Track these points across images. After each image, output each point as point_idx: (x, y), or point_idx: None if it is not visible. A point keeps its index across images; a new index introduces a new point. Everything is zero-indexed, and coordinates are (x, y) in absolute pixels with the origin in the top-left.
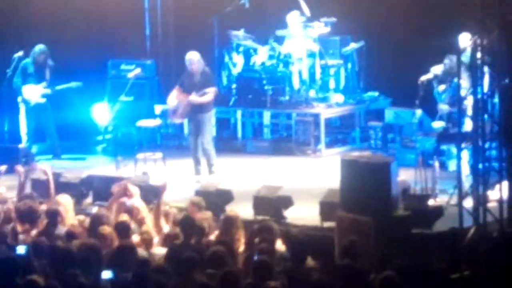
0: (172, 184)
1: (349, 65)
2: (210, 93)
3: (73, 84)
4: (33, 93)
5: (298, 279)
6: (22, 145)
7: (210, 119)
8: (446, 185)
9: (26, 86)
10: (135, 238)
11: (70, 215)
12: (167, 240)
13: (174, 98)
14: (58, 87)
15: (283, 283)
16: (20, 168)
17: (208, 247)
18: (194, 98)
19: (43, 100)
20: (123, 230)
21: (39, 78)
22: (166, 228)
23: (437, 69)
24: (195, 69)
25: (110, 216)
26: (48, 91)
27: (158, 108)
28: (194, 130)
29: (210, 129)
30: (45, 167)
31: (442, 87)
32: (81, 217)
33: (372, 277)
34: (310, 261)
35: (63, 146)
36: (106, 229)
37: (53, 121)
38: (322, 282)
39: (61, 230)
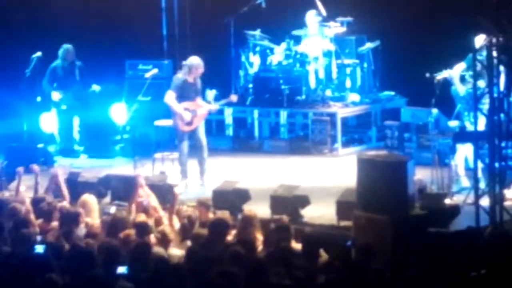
0: (189, 184)
1: (365, 65)
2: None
3: (97, 87)
4: (62, 96)
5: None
6: (41, 145)
7: None
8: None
9: (55, 91)
10: (152, 238)
11: (94, 215)
12: (193, 240)
13: (184, 109)
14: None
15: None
16: (36, 167)
17: (226, 246)
18: (216, 107)
19: (76, 103)
20: (142, 229)
21: (69, 80)
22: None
23: (459, 68)
24: (198, 76)
25: (129, 218)
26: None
27: None
28: (189, 135)
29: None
30: (57, 169)
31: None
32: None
33: (388, 276)
34: (323, 259)
35: (83, 145)
36: (127, 232)
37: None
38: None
39: (81, 230)
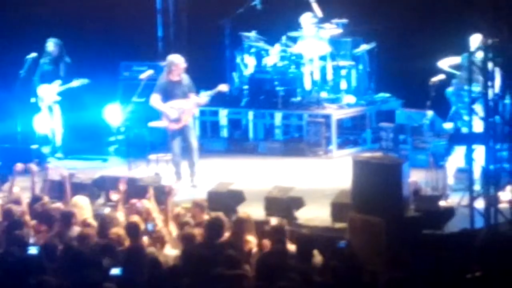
0: (183, 185)
1: (361, 66)
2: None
3: (77, 82)
4: (48, 92)
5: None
6: (35, 146)
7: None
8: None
9: (41, 86)
10: (146, 239)
11: (86, 216)
12: (183, 240)
13: (170, 107)
14: (63, 87)
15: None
16: (33, 166)
17: (220, 247)
18: (203, 100)
19: (58, 98)
20: (133, 231)
21: (53, 75)
22: (174, 230)
23: (453, 60)
24: (181, 73)
25: (118, 218)
26: (62, 88)
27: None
28: (180, 134)
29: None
30: (62, 169)
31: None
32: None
33: (383, 278)
34: (318, 260)
35: (76, 147)
36: (116, 231)
37: (61, 120)
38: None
39: (75, 231)
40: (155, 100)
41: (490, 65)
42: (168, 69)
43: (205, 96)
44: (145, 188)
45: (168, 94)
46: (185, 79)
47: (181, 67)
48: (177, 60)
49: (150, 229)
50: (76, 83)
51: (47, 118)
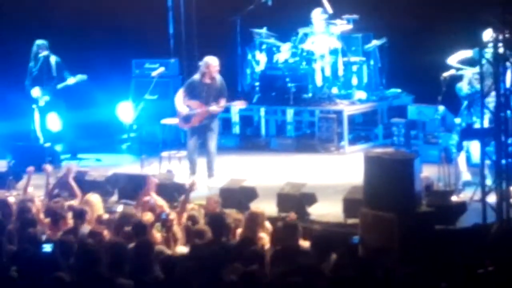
0: (196, 181)
1: (372, 62)
2: (223, 103)
3: (74, 79)
4: (40, 94)
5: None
6: (48, 144)
7: (217, 124)
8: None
9: (34, 89)
10: (158, 236)
11: (99, 213)
12: (191, 237)
13: (184, 105)
14: (60, 86)
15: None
16: (48, 167)
17: (226, 244)
18: (216, 109)
19: (47, 98)
20: (139, 229)
21: (46, 76)
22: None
23: (465, 54)
24: (214, 75)
25: (137, 215)
26: (59, 86)
27: None
28: (198, 133)
29: (217, 134)
30: (68, 166)
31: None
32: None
33: (396, 273)
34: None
35: (89, 144)
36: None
37: (65, 119)
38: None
39: (87, 228)
40: (178, 95)
41: (500, 59)
42: (201, 70)
43: (219, 107)
44: (158, 185)
45: (193, 93)
46: (218, 82)
47: (213, 70)
48: (210, 62)
49: (164, 217)
50: (72, 80)
51: (37, 119)
